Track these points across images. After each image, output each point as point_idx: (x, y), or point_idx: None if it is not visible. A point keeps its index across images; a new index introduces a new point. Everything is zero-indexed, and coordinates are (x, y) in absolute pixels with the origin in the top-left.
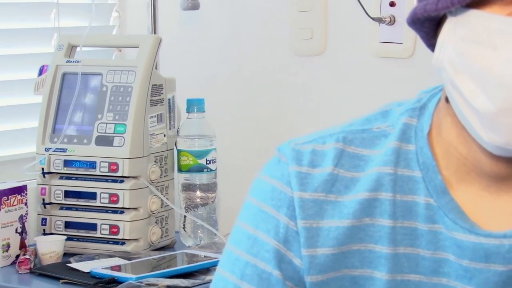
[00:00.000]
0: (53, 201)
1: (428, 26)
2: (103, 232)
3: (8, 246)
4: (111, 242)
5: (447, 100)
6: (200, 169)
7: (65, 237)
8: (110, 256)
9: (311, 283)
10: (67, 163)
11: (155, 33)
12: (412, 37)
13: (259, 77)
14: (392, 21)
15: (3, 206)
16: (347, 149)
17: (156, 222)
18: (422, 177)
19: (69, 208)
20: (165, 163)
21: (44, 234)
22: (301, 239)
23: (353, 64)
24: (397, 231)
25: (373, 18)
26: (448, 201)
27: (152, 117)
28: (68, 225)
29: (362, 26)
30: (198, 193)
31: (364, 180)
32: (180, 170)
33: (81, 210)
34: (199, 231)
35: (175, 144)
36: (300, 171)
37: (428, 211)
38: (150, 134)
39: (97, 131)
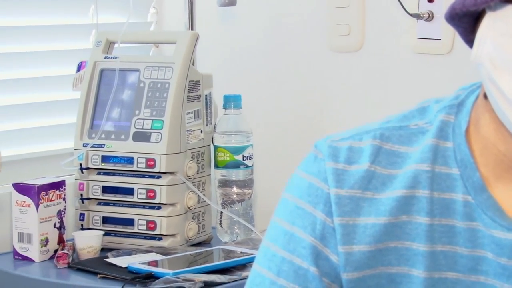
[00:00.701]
0: (91, 196)
1: (467, 22)
2: (140, 227)
3: (47, 240)
4: (148, 238)
5: (485, 96)
6: (236, 165)
7: (102, 232)
8: (147, 252)
9: (347, 280)
10: (104, 158)
11: (192, 29)
12: (450, 33)
13: (296, 73)
14: (430, 17)
15: (42, 201)
16: (384, 146)
17: (192, 218)
18: (460, 174)
19: (106, 203)
20: (201, 159)
21: (82, 229)
22: (337, 235)
23: (391, 60)
24: (435, 228)
25: (411, 14)
26: (486, 199)
27: (189, 113)
28: (105, 220)
29: (400, 22)
30: (235, 189)
31: (401, 177)
32: (216, 166)
33: (119, 206)
34: (235, 227)
35: (212, 140)
36: (336, 167)
37: (466, 208)
38: (187, 130)
39: (135, 127)
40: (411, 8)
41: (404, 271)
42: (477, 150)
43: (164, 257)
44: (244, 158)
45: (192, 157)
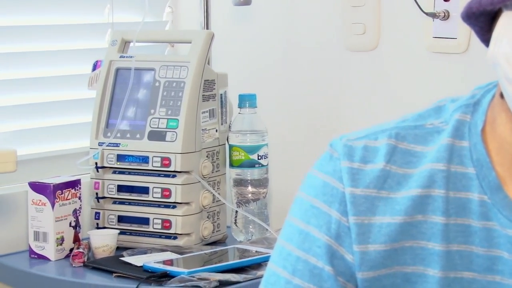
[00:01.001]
0: (106, 195)
1: (483, 21)
2: (155, 226)
3: (62, 239)
4: (163, 237)
5: (501, 95)
6: (251, 164)
7: (118, 231)
8: (162, 250)
9: (363, 279)
10: (120, 157)
11: (207, 28)
12: (466, 32)
13: (311, 72)
14: (446, 16)
15: (58, 200)
16: (399, 145)
17: (208, 217)
18: (475, 174)
19: (122, 202)
20: (217, 158)
21: (98, 228)
22: (352, 235)
23: (406, 59)
24: (450, 228)
25: (426, 13)
26: (502, 198)
27: (204, 112)
28: (121, 219)
29: (415, 21)
30: (250, 188)
31: (416, 176)
32: (231, 165)
33: (134, 205)
34: (250, 226)
35: (227, 139)
36: (352, 167)
37: (482, 208)
38: (202, 129)
39: (150, 126)
40: (427, 7)
41: (420, 271)
42: (493, 150)
43: (179, 256)
44: (259, 157)
45: (207, 156)
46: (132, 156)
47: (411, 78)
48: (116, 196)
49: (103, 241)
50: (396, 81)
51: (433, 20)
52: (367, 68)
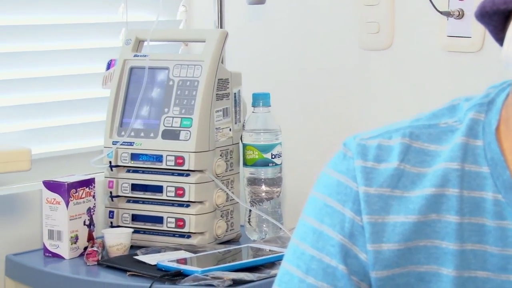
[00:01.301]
0: (120, 194)
1: (497, 20)
2: (169, 225)
3: (77, 238)
4: (177, 235)
5: None
6: (265, 163)
7: (132, 229)
8: (176, 249)
9: (376, 278)
10: (134, 156)
11: (221, 27)
12: (480, 31)
13: (325, 71)
14: (460, 15)
15: (72, 199)
16: (413, 144)
17: (221, 215)
18: (490, 172)
19: (136, 201)
20: (230, 157)
21: (112, 226)
22: (366, 234)
23: (421, 58)
24: (464, 227)
25: (441, 12)
26: None
27: (218, 111)
28: (135, 218)
29: (429, 20)
30: (263, 187)
31: (430, 175)
32: (245, 164)
33: (148, 203)
34: (264, 225)
35: (241, 138)
36: (365, 166)
37: (496, 207)
38: (216, 128)
39: (164, 125)
40: (441, 6)
41: (434, 270)
42: (508, 149)
43: (193, 255)
44: (273, 156)
45: (221, 155)
46: (146, 155)
47: (425, 77)
48: (130, 194)
49: (117, 239)
50: (410, 80)
51: (448, 19)
52: (381, 67)
